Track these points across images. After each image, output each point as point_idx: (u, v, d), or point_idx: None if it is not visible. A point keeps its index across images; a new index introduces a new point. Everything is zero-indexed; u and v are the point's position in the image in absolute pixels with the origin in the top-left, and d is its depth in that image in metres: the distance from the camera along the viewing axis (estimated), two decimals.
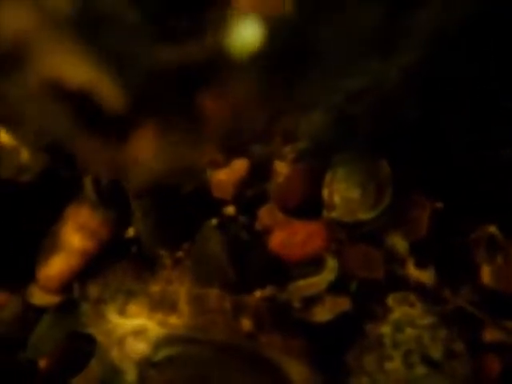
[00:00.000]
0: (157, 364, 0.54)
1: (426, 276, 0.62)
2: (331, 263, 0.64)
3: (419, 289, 0.62)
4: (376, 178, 0.61)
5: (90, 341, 0.60)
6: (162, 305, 0.60)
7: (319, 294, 0.62)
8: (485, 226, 0.59)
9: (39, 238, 0.64)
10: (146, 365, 0.54)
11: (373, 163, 0.61)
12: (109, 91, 0.64)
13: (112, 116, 0.64)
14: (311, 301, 0.62)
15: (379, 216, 0.60)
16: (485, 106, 0.59)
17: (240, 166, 0.65)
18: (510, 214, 0.58)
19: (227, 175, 0.65)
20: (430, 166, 0.60)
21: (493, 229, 0.59)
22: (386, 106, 0.57)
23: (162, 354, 0.55)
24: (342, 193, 0.64)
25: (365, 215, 0.60)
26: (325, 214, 0.63)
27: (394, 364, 0.56)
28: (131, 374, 0.56)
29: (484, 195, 0.59)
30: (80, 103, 0.63)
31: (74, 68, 0.63)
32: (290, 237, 0.63)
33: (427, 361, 0.55)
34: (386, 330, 0.59)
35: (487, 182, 0.58)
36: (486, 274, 0.59)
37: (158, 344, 0.56)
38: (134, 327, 0.58)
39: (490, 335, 0.60)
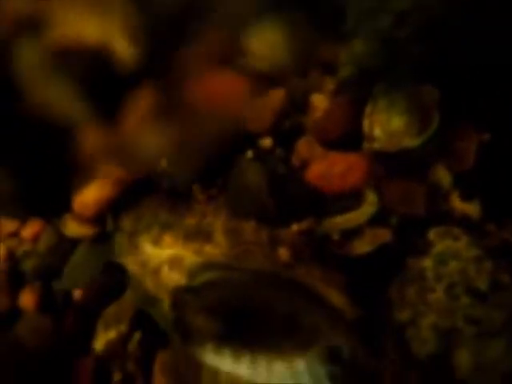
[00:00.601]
0: (195, 289, 0.53)
1: (471, 209, 0.60)
2: (371, 197, 0.62)
3: (464, 222, 0.60)
4: (421, 104, 0.58)
5: (124, 271, 0.59)
6: (198, 235, 0.58)
7: (359, 227, 0.61)
8: None
9: (74, 167, 0.64)
10: (183, 291, 0.53)
11: (418, 89, 0.58)
12: (122, 46, 0.63)
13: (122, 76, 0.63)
14: (350, 234, 0.60)
15: (426, 143, 0.57)
16: None
17: (277, 96, 0.63)
18: None
19: (264, 105, 0.63)
20: (479, 93, 0.57)
21: None
22: (433, 28, 0.55)
23: (200, 279, 0.54)
24: (383, 124, 0.62)
25: (411, 142, 0.57)
26: (365, 145, 0.61)
27: (437, 295, 0.54)
28: (166, 302, 0.56)
29: None
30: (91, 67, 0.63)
31: (92, 23, 0.63)
32: (328, 168, 0.61)
33: (472, 292, 0.53)
34: (428, 263, 0.57)
35: None
36: None
37: (195, 270, 0.54)
38: (169, 257, 0.58)
39: None
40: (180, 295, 0.53)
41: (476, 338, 0.51)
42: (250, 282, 0.53)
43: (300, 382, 0.51)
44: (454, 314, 0.53)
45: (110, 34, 0.64)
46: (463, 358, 0.51)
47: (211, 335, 0.53)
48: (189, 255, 0.57)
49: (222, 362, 0.53)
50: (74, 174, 0.63)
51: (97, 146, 0.67)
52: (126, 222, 0.63)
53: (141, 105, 0.67)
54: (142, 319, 0.59)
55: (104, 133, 0.66)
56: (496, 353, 0.50)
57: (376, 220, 0.61)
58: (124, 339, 0.57)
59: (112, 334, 0.57)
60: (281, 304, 0.51)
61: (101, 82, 0.66)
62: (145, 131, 0.66)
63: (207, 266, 0.54)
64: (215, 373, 0.52)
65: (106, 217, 0.63)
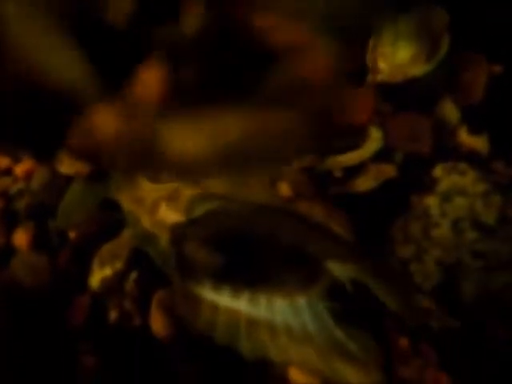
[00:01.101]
0: (194, 221, 0.52)
1: (478, 144, 0.57)
2: (375, 133, 0.60)
3: (471, 157, 0.58)
4: (431, 29, 0.56)
5: (121, 209, 0.58)
6: (197, 170, 0.57)
7: (362, 164, 0.59)
8: None
9: (67, 106, 0.62)
10: (182, 224, 0.52)
11: (427, 11, 0.56)
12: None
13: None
14: (353, 170, 0.59)
15: (435, 71, 0.55)
16: None
17: None
18: None
19: None
20: (492, 21, 0.55)
21: None
22: None
23: (199, 210, 0.52)
24: (388, 57, 0.60)
25: (418, 70, 0.55)
26: (369, 78, 0.59)
27: (442, 231, 0.52)
28: (164, 240, 0.55)
29: None
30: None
31: None
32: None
33: (479, 226, 0.52)
34: (433, 201, 0.55)
35: None
36: None
37: (193, 202, 0.53)
38: (166, 191, 0.56)
39: None
40: (178, 228, 0.51)
41: (481, 271, 0.50)
42: (251, 212, 0.51)
43: (300, 318, 0.51)
44: (460, 248, 0.51)
45: None
46: (468, 290, 0.50)
47: (211, 270, 0.52)
48: (186, 189, 0.55)
49: (220, 297, 0.52)
50: (68, 111, 0.61)
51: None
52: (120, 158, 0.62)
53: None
54: (140, 258, 0.58)
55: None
56: (501, 284, 0.49)
57: (380, 156, 0.60)
58: (120, 277, 0.56)
59: (107, 272, 0.56)
60: (285, 233, 0.50)
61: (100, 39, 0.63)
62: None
63: (206, 196, 0.52)
64: (214, 308, 0.51)
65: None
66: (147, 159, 0.59)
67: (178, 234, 0.51)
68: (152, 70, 0.59)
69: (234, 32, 0.59)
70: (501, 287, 0.49)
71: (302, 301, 0.52)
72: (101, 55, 0.59)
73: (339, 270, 0.49)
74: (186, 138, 0.59)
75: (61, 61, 0.60)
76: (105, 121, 0.57)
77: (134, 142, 0.59)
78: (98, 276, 0.54)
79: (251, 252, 0.51)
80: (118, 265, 0.55)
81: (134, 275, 0.56)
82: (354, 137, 0.61)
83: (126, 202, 0.59)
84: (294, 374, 0.52)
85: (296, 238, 0.49)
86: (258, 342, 0.50)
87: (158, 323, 0.54)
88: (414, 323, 0.51)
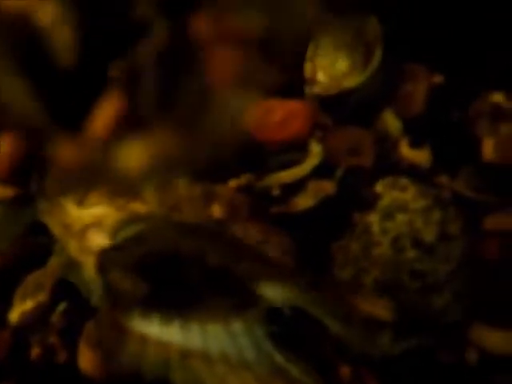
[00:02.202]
0: (118, 245, 0.49)
1: (420, 157, 0.55)
2: (316, 148, 0.58)
3: (413, 172, 0.56)
4: (364, 39, 0.54)
5: (49, 235, 0.55)
6: (125, 193, 0.54)
7: (301, 181, 0.56)
8: (488, 95, 0.53)
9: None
10: (107, 249, 0.49)
11: (361, 22, 0.53)
12: (67, 38, 0.58)
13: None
14: (292, 188, 0.56)
15: (368, 82, 0.53)
16: None
17: None
18: None
19: None
20: (431, 31, 0.53)
21: (498, 97, 0.52)
22: None
23: (122, 235, 0.50)
24: (328, 68, 0.58)
25: (351, 82, 0.53)
26: (307, 90, 0.57)
27: (382, 249, 0.50)
28: (91, 268, 0.52)
29: (488, 58, 0.51)
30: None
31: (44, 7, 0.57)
32: (265, 117, 0.56)
33: (418, 244, 0.50)
34: (374, 218, 0.53)
35: (492, 41, 0.50)
36: (489, 148, 0.52)
37: (119, 226, 0.50)
38: (93, 217, 0.53)
39: (492, 221, 0.54)
40: (103, 254, 0.48)
41: (420, 292, 0.48)
42: (177, 233, 0.48)
43: (237, 344, 0.48)
44: (399, 267, 0.49)
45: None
46: (406, 313, 0.47)
47: (138, 298, 0.49)
48: (114, 214, 0.53)
49: (150, 327, 0.49)
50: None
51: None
52: (51, 182, 0.59)
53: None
54: (68, 288, 0.55)
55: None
56: (439, 306, 0.47)
57: (320, 172, 0.58)
58: (44, 310, 0.53)
59: (29, 305, 0.52)
60: (211, 254, 0.47)
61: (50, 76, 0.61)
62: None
63: (132, 219, 0.50)
64: (142, 339, 0.48)
65: (29, 176, 0.59)
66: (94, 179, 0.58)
67: (103, 260, 0.49)
68: (109, 101, 0.59)
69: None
70: (438, 310, 0.47)
71: (237, 326, 0.50)
72: (55, 94, 0.58)
73: (273, 292, 0.47)
74: (131, 155, 0.58)
75: (13, 99, 0.58)
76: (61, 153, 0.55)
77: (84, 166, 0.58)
78: (19, 309, 0.51)
79: (180, 276, 0.48)
80: (41, 297, 0.52)
81: (61, 307, 0.54)
82: (295, 152, 0.59)
83: (54, 227, 0.56)
84: None
85: (223, 259, 0.46)
86: (192, 372, 0.48)
87: (86, 359, 0.51)
88: (355, 348, 0.49)
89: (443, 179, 0.56)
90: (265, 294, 0.48)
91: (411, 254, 0.49)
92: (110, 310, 0.50)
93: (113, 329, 0.49)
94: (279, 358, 0.46)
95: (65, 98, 0.59)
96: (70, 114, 0.59)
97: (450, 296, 0.47)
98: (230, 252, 0.48)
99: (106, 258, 0.49)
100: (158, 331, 0.48)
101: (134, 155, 0.59)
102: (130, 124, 0.60)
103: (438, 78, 0.55)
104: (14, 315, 0.51)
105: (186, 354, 0.47)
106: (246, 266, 0.47)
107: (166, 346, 0.48)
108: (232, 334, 0.49)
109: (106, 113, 0.60)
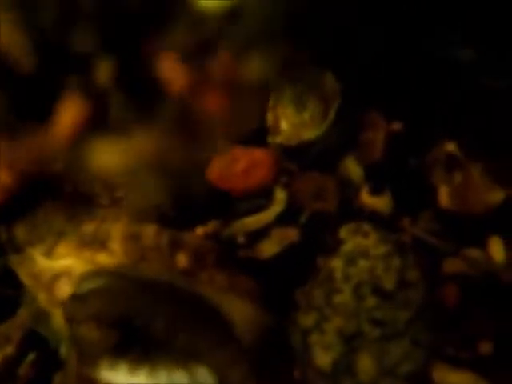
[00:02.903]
0: (81, 296, 0.50)
1: (381, 203, 0.57)
2: (280, 195, 0.59)
3: (374, 218, 0.57)
4: (322, 92, 0.55)
5: (17, 286, 0.56)
6: (92, 244, 0.55)
7: (265, 228, 0.58)
8: (443, 145, 0.55)
9: None
10: (70, 299, 0.50)
11: (318, 75, 0.55)
12: (21, 50, 0.59)
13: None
14: (257, 235, 0.57)
15: (326, 134, 0.54)
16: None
17: None
18: (470, 130, 0.53)
19: None
20: (383, 80, 0.55)
21: (451, 147, 0.54)
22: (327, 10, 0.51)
23: (86, 286, 0.50)
24: (290, 118, 0.59)
25: (310, 134, 0.54)
26: (269, 139, 0.58)
27: (343, 297, 0.51)
28: (59, 317, 0.53)
29: (442, 109, 0.53)
30: None
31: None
32: (230, 166, 0.58)
33: (378, 291, 0.51)
34: (337, 263, 0.54)
35: (445, 93, 0.52)
36: (444, 196, 0.54)
37: (83, 278, 0.51)
38: (61, 268, 0.54)
39: (451, 266, 0.56)
40: (67, 304, 0.49)
41: (379, 341, 0.49)
42: (132, 291, 0.49)
43: None
44: (359, 316, 0.50)
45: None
46: (366, 363, 0.48)
47: (105, 348, 0.50)
48: (81, 266, 0.53)
49: (118, 376, 0.50)
50: None
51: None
52: (20, 232, 0.60)
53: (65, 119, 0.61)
54: (37, 339, 0.55)
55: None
56: (398, 355, 0.48)
57: (285, 218, 0.59)
58: (11, 362, 0.53)
59: None
60: (161, 318, 0.48)
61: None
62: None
63: (96, 273, 0.51)
64: None
65: None
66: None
67: (67, 309, 0.49)
68: (70, 104, 0.59)
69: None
70: (397, 356, 0.48)
71: (202, 373, 0.51)
72: (18, 95, 0.59)
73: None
74: (102, 156, 0.59)
75: None
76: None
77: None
78: None
79: (141, 329, 0.49)
80: (9, 349, 0.52)
81: (30, 358, 0.54)
82: (259, 198, 0.60)
83: (23, 277, 0.57)
84: None
85: (171, 325, 0.48)
86: None
87: None
88: None
89: (404, 223, 0.57)
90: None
91: (371, 301, 0.50)
92: (78, 362, 0.51)
93: (81, 380, 0.50)
94: None
95: (27, 99, 0.59)
96: (34, 114, 0.59)
97: (408, 343, 0.49)
98: (176, 321, 0.49)
99: (69, 308, 0.50)
100: (126, 379, 0.49)
101: (105, 157, 0.59)
102: (99, 126, 0.60)
103: (396, 126, 0.57)
104: None
105: None
106: (184, 339, 0.49)
107: None
108: (197, 382, 0.50)
109: (66, 115, 0.59)
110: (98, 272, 0.51)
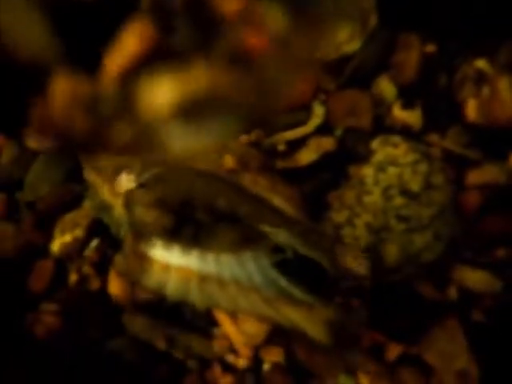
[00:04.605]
0: (142, 183, 0.56)
1: (412, 118, 0.61)
2: (318, 110, 0.65)
3: (405, 131, 0.62)
4: (361, 8, 0.59)
5: (84, 181, 0.62)
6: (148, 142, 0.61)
7: (304, 138, 0.63)
8: (473, 61, 0.58)
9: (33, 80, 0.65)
10: (132, 190, 0.56)
11: None
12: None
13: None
14: (296, 144, 0.63)
15: (362, 50, 0.59)
16: None
17: None
18: (498, 45, 0.57)
19: None
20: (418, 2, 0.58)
21: (481, 63, 0.58)
22: None
23: (148, 174, 0.56)
24: (328, 36, 0.63)
25: (349, 47, 0.59)
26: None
27: (373, 197, 0.56)
28: (119, 208, 0.59)
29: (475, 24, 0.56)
30: None
31: None
32: None
33: (405, 193, 0.56)
34: (368, 171, 0.59)
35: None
36: (472, 109, 0.58)
37: (143, 168, 0.57)
38: (122, 163, 0.60)
39: (475, 176, 0.60)
40: (129, 192, 0.55)
41: (404, 233, 0.54)
42: (191, 175, 0.55)
43: (246, 270, 0.55)
44: (387, 213, 0.56)
45: None
46: (392, 251, 0.54)
47: (161, 230, 0.56)
48: (139, 160, 0.60)
49: (171, 256, 0.57)
50: (33, 85, 0.65)
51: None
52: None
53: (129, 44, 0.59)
54: (101, 227, 0.62)
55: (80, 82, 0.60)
56: (421, 244, 0.54)
57: (322, 131, 0.64)
58: (80, 244, 0.60)
59: (67, 238, 0.60)
60: (221, 199, 0.54)
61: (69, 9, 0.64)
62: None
63: (154, 163, 0.57)
64: (166, 267, 0.56)
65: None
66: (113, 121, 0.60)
67: (128, 196, 0.56)
68: (135, 32, 0.57)
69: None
70: (420, 247, 0.53)
71: (247, 255, 0.57)
72: (72, 23, 0.58)
73: (273, 234, 0.54)
74: (159, 91, 0.58)
75: (23, 26, 0.58)
76: (66, 89, 0.59)
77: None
78: (59, 242, 0.59)
79: (195, 214, 0.55)
80: (78, 232, 0.60)
81: (94, 242, 0.61)
82: (299, 113, 0.65)
83: (88, 173, 0.63)
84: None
85: (230, 202, 0.53)
86: (208, 294, 0.55)
87: (115, 286, 0.59)
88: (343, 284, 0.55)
89: (434, 138, 0.62)
90: (268, 233, 0.55)
91: (398, 201, 0.55)
92: (135, 242, 0.58)
93: (137, 258, 0.57)
94: (283, 282, 0.53)
95: (83, 31, 0.57)
96: (88, 50, 0.57)
97: (431, 236, 0.54)
98: (237, 197, 0.55)
99: (131, 195, 0.57)
100: (179, 259, 0.56)
101: (161, 92, 0.58)
102: (160, 57, 0.58)
103: (429, 48, 0.61)
104: (55, 247, 0.60)
105: (203, 278, 0.54)
106: (248, 209, 0.55)
107: (186, 272, 0.55)
108: (242, 262, 0.56)
109: (127, 47, 0.58)
110: (156, 162, 0.57)
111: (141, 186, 0.55)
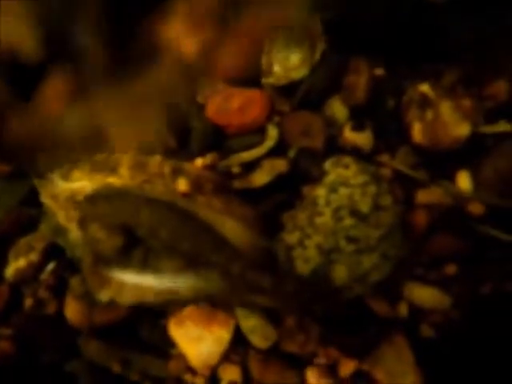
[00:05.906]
0: (91, 197, 0.57)
1: (363, 139, 0.63)
2: (272, 132, 0.66)
3: (356, 152, 0.64)
4: (309, 34, 0.61)
5: (39, 206, 0.63)
6: (103, 169, 0.62)
7: (257, 160, 0.64)
8: (418, 85, 0.60)
9: None
10: (83, 200, 0.57)
11: (305, 19, 0.61)
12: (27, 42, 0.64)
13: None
14: (250, 166, 0.64)
15: (312, 74, 0.60)
16: None
17: None
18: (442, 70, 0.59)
19: None
20: (372, 26, 0.60)
21: (425, 87, 0.60)
22: None
23: (101, 202, 0.58)
24: (282, 62, 0.65)
25: (297, 73, 0.60)
26: (263, 80, 0.64)
27: (324, 218, 0.58)
28: (74, 232, 0.60)
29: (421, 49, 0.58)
30: None
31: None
32: (225, 102, 0.64)
33: (355, 213, 0.57)
34: (321, 191, 0.61)
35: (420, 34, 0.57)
36: (418, 131, 0.60)
37: (95, 192, 0.58)
38: (76, 189, 0.61)
39: (423, 196, 0.62)
40: (81, 207, 0.56)
41: (353, 254, 0.56)
42: (138, 202, 0.56)
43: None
44: (337, 234, 0.57)
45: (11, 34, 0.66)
46: (340, 272, 0.55)
47: (114, 249, 0.57)
48: (94, 187, 0.60)
49: (127, 275, 0.58)
50: None
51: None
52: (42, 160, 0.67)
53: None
54: (57, 250, 0.63)
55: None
56: (369, 265, 0.55)
57: (275, 152, 0.65)
58: (35, 268, 0.61)
59: (22, 263, 0.61)
60: (165, 227, 0.55)
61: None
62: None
63: (106, 189, 0.58)
64: (121, 285, 0.56)
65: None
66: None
67: (81, 211, 0.57)
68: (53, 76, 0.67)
69: None
70: (368, 267, 0.55)
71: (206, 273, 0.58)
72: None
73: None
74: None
75: None
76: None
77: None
78: (13, 267, 0.59)
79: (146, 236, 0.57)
80: (33, 256, 0.60)
81: (51, 266, 0.62)
82: (254, 135, 0.66)
83: (44, 198, 0.64)
84: None
85: (172, 235, 0.55)
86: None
87: (71, 310, 0.59)
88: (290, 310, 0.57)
89: (384, 158, 0.64)
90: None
91: (348, 222, 0.56)
92: (93, 260, 0.58)
93: (95, 275, 0.58)
94: None
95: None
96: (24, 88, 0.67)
97: (378, 256, 0.55)
98: (180, 230, 0.56)
99: (82, 208, 0.58)
100: (135, 278, 0.57)
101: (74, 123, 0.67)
102: (77, 95, 0.68)
103: (378, 71, 0.63)
104: (9, 271, 0.60)
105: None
106: (188, 246, 0.56)
107: (142, 292, 0.56)
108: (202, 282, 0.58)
109: (51, 87, 0.67)
110: (108, 188, 0.58)
111: (90, 198, 0.56)
